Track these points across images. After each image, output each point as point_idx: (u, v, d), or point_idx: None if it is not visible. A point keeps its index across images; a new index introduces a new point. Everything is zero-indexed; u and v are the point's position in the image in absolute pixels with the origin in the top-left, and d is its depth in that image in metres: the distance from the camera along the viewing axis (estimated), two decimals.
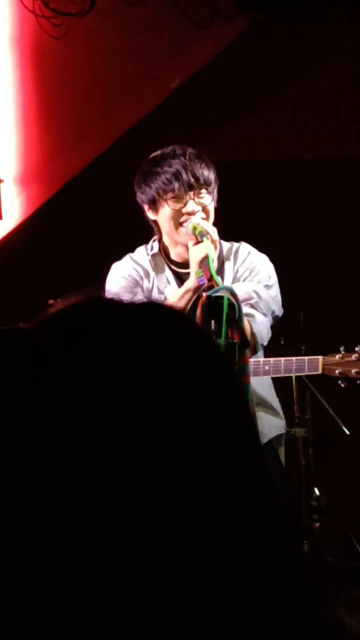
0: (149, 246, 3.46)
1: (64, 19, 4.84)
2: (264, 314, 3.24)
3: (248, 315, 3.19)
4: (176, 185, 3.24)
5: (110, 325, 0.77)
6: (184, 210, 3.26)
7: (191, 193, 3.25)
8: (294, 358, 3.43)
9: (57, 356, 0.76)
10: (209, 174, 3.29)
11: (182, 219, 3.26)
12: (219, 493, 0.73)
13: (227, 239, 3.46)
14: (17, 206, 4.93)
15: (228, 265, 3.41)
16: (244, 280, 3.35)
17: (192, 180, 3.25)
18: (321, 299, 4.76)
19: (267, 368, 3.47)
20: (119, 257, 3.52)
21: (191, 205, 3.24)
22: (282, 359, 3.41)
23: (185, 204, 3.25)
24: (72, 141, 5.04)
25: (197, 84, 5.07)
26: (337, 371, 3.47)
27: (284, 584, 0.73)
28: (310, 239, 5.08)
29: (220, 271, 3.38)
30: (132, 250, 3.51)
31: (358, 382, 3.44)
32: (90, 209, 5.10)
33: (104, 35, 4.99)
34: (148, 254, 3.45)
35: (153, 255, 3.43)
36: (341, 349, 3.49)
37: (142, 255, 3.46)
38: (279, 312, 3.35)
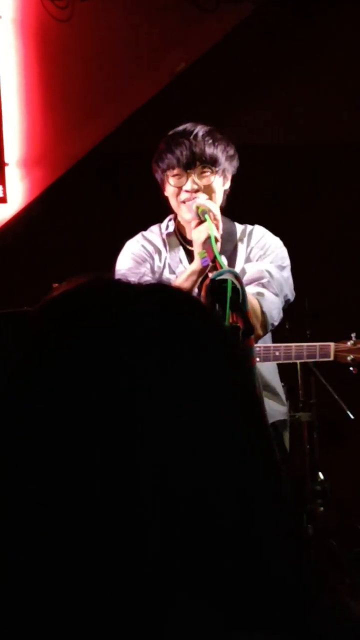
0: (164, 225, 3.46)
1: (69, 2, 4.82)
2: (276, 294, 3.23)
3: (259, 294, 3.19)
4: (175, 162, 3.24)
5: (116, 308, 0.76)
6: (183, 188, 3.25)
7: (192, 171, 3.25)
8: (304, 344, 3.43)
9: (59, 339, 0.75)
10: (214, 152, 3.26)
11: (182, 197, 3.26)
12: (222, 473, 0.72)
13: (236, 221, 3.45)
14: (20, 190, 4.92)
15: (241, 247, 3.40)
16: (256, 260, 3.34)
17: (194, 158, 3.24)
18: (327, 284, 4.75)
19: (277, 354, 3.47)
20: (122, 241, 3.51)
21: (190, 184, 3.24)
22: (293, 345, 3.41)
23: (186, 182, 3.25)
24: (76, 125, 5.02)
25: (203, 68, 5.04)
26: (349, 358, 3.49)
27: (287, 565, 0.73)
28: (316, 223, 5.07)
29: (234, 253, 3.37)
30: (135, 234, 3.51)
31: None
32: (94, 192, 5.09)
33: (109, 18, 4.96)
34: (162, 233, 3.45)
35: (168, 234, 3.43)
36: (352, 335, 3.50)
37: (155, 233, 3.46)
38: (291, 295, 3.33)
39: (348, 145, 5.18)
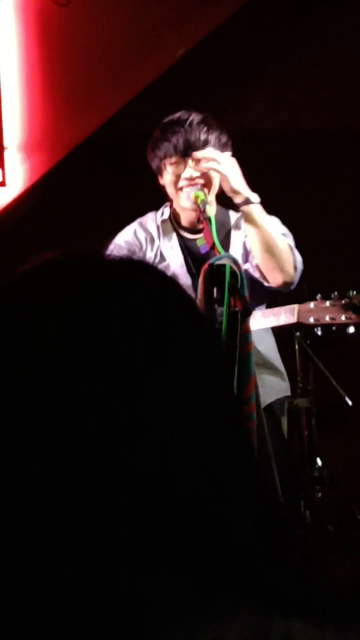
0: (160, 212, 3.47)
1: None
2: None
3: (284, 234, 3.24)
4: (173, 150, 3.25)
5: (85, 281, 0.76)
6: (182, 176, 3.26)
7: (189, 159, 3.25)
8: (270, 310, 3.38)
9: (26, 313, 0.75)
10: (209, 139, 3.27)
11: (180, 185, 3.27)
12: (196, 452, 0.72)
13: (230, 209, 3.45)
14: (20, 174, 4.91)
15: (236, 234, 3.40)
16: None
17: (190, 145, 3.25)
18: (325, 270, 4.74)
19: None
20: (122, 226, 3.51)
21: (188, 172, 3.25)
22: (259, 310, 3.37)
23: (184, 170, 3.26)
24: (76, 109, 5.01)
25: (203, 52, 5.02)
26: (311, 318, 3.40)
27: (258, 539, 0.73)
28: (313, 210, 5.05)
29: (226, 240, 3.37)
30: (135, 218, 3.51)
31: (333, 328, 3.38)
32: (94, 177, 5.08)
33: (109, 2, 4.94)
34: (157, 220, 3.46)
35: (163, 221, 3.44)
36: (317, 296, 3.43)
37: (151, 220, 3.47)
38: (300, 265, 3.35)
39: (350, 131, 5.16)
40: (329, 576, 0.76)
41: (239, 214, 3.41)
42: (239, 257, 3.35)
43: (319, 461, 4.08)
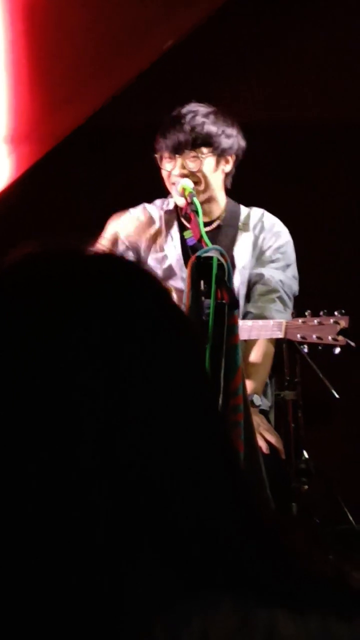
0: (165, 201, 3.49)
1: None
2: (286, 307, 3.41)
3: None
4: (164, 147, 3.27)
5: (62, 278, 0.77)
6: (172, 173, 3.28)
7: (180, 156, 3.26)
8: (260, 321, 3.40)
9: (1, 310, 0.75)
10: (210, 134, 3.28)
11: (172, 180, 3.29)
12: (175, 442, 0.73)
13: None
14: (7, 166, 4.89)
15: (245, 235, 3.42)
16: (271, 262, 3.41)
17: (183, 143, 3.26)
18: (314, 269, 4.74)
19: None
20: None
21: (178, 169, 3.26)
22: (251, 321, 3.38)
23: (175, 166, 3.28)
24: (63, 101, 4.99)
25: (192, 43, 5.01)
26: (298, 335, 3.41)
27: (239, 530, 0.73)
28: (305, 206, 5.04)
29: (235, 237, 3.40)
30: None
31: (319, 347, 3.40)
32: (82, 169, 5.07)
33: None
34: (162, 209, 3.48)
35: (167, 212, 3.46)
36: (307, 313, 3.45)
37: (156, 207, 3.50)
38: (297, 287, 3.53)
39: (351, 122, 5.13)
40: (313, 568, 0.76)
41: (248, 210, 3.43)
42: (247, 261, 3.37)
43: (305, 453, 4.09)
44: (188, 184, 3.22)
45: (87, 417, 0.70)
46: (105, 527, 0.68)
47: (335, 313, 3.40)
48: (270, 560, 0.73)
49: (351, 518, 4.13)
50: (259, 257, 3.40)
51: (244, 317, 3.39)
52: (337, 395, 3.91)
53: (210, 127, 3.27)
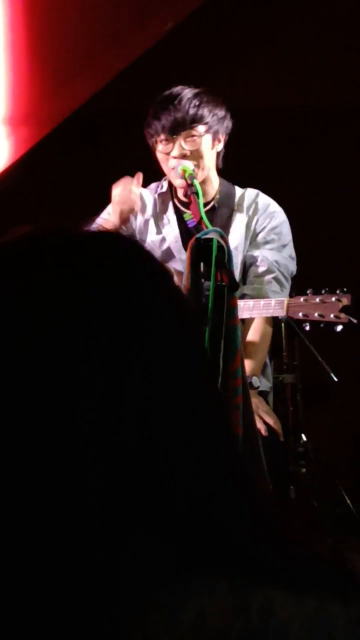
0: (159, 184, 3.48)
1: None
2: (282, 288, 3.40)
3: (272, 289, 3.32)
4: (161, 129, 3.24)
5: (58, 258, 0.77)
6: (171, 154, 3.26)
7: (178, 137, 3.24)
8: (262, 300, 3.39)
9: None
10: (202, 114, 3.26)
11: (170, 164, 3.27)
12: (173, 423, 0.73)
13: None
14: (6, 148, 4.88)
15: (240, 215, 3.41)
16: (266, 243, 3.40)
17: (179, 123, 3.24)
18: (313, 250, 4.73)
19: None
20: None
21: (176, 150, 3.24)
22: (252, 300, 3.38)
23: (173, 148, 3.25)
24: (62, 83, 4.98)
25: (192, 26, 4.99)
26: (300, 313, 3.41)
27: (235, 510, 0.73)
28: (302, 190, 5.04)
29: (230, 218, 3.39)
30: None
31: (321, 325, 3.40)
32: (80, 152, 5.05)
33: None
34: (156, 192, 3.47)
35: (160, 195, 3.46)
36: (308, 291, 3.45)
37: (150, 191, 3.49)
38: (294, 267, 3.50)
39: (346, 107, 5.13)
40: (311, 550, 0.76)
41: (243, 190, 3.42)
42: (239, 242, 3.37)
43: (303, 437, 4.10)
44: (189, 165, 3.20)
45: (89, 395, 0.70)
46: (102, 509, 0.68)
47: (337, 291, 3.40)
48: (267, 541, 0.73)
49: (349, 501, 4.13)
50: (253, 239, 3.40)
51: (241, 299, 3.39)
52: (335, 379, 3.91)
53: (204, 106, 3.27)
